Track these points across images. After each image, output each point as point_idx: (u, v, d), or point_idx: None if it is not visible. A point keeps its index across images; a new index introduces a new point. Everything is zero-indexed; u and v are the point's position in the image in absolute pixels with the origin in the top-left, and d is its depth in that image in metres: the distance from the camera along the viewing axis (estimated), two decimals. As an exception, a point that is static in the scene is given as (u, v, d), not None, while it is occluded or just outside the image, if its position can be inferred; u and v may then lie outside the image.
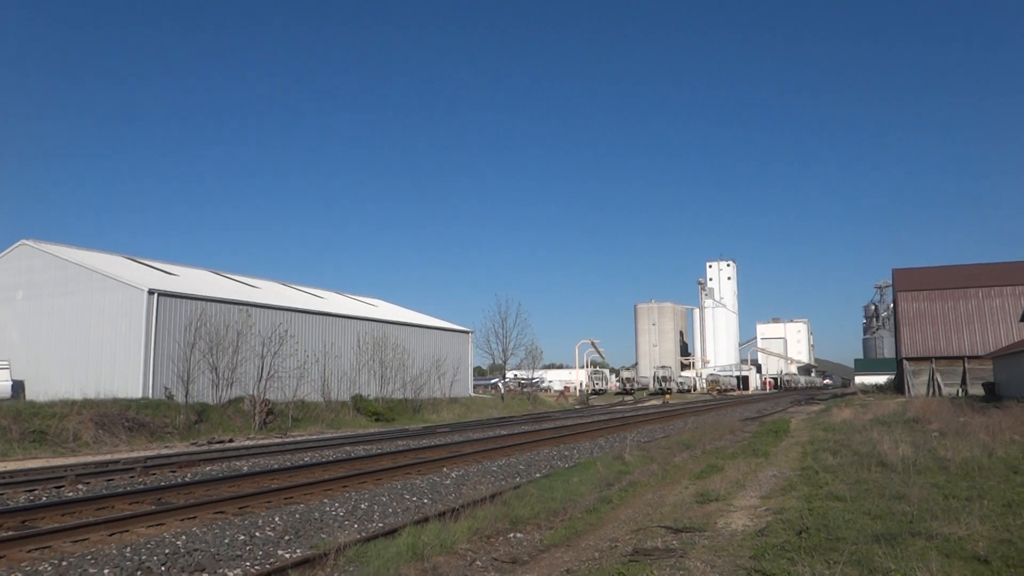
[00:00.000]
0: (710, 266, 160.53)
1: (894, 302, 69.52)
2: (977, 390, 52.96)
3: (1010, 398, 37.85)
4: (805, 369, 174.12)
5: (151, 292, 31.75)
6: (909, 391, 57.28)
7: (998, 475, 12.33)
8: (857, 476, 12.73)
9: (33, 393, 32.30)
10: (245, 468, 17.57)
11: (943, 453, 14.85)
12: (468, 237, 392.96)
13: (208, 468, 17.63)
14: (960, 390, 55.99)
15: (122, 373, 31.27)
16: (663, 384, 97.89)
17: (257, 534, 10.03)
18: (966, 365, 57.33)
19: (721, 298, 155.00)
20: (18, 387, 33.07)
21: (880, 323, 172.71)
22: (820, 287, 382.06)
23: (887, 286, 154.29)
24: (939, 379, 57.68)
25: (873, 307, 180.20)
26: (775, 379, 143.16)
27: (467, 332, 56.08)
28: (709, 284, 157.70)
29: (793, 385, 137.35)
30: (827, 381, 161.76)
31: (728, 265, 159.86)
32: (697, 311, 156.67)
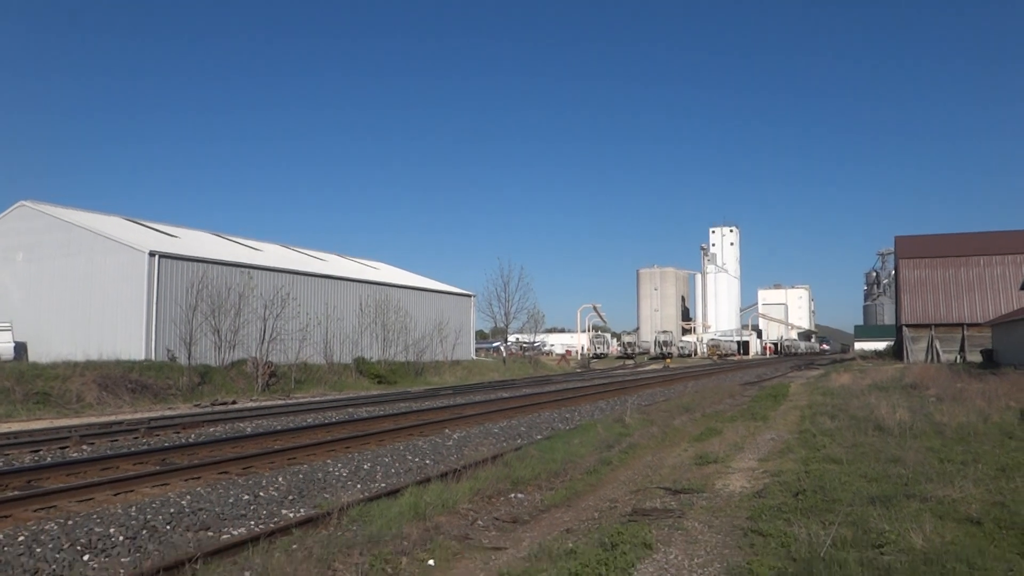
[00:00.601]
0: (713, 232, 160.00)
1: (895, 269, 69.52)
2: (975, 357, 53.15)
3: (1007, 365, 38.04)
4: (805, 335, 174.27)
5: (152, 254, 31.77)
6: (908, 357, 57.51)
7: (993, 440, 12.45)
8: (854, 440, 12.86)
9: (35, 355, 32.50)
10: (248, 429, 17.74)
11: (939, 418, 14.97)
12: (471, 201, 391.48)
13: (212, 429, 17.79)
14: (958, 357, 56.22)
15: (124, 335, 31.41)
16: (664, 348, 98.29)
17: (261, 494, 10.15)
18: (965, 332, 57.50)
19: (723, 264, 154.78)
20: (20, 349, 33.24)
21: (881, 290, 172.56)
22: (822, 253, 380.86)
23: (889, 253, 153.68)
24: (938, 346, 57.88)
25: (874, 274, 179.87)
26: (775, 344, 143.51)
27: (469, 296, 56.19)
28: (712, 249, 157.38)
29: (793, 351, 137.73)
30: (825, 347, 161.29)
31: (731, 231, 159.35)
32: (699, 276, 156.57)
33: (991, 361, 46.74)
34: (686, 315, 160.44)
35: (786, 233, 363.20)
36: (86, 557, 7.35)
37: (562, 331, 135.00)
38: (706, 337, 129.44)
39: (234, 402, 26.47)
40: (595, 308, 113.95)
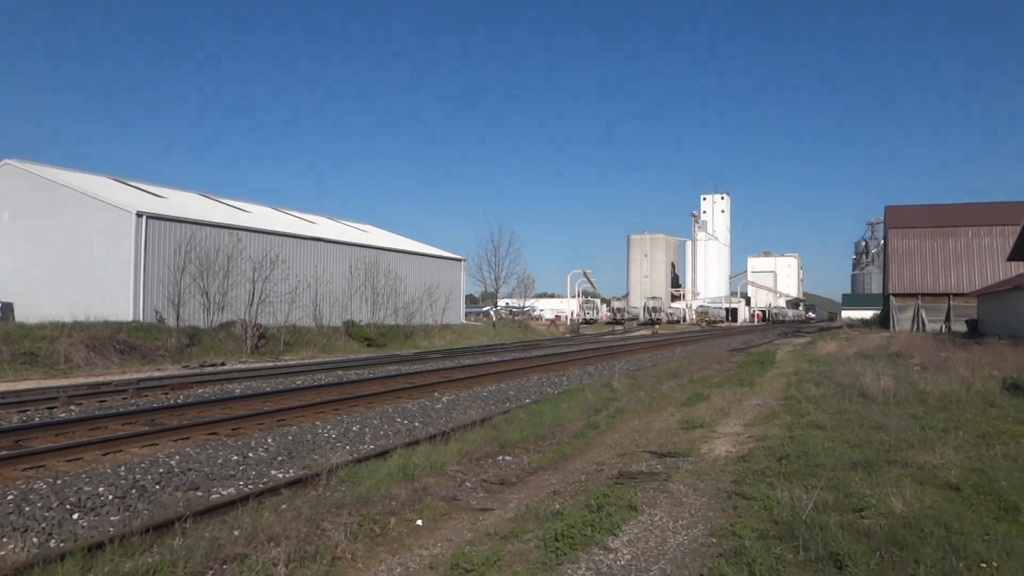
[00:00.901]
0: (704, 199, 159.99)
1: (885, 239, 69.77)
2: (960, 326, 53.67)
3: (992, 335, 38.40)
4: (793, 303, 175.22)
5: (139, 214, 31.50)
6: (894, 326, 57.97)
7: (975, 408, 12.61)
8: (838, 406, 13.00)
9: (22, 315, 32.34)
10: (237, 391, 17.76)
11: (923, 386, 15.12)
12: (463, 165, 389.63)
13: (200, 390, 17.81)
14: (943, 326, 56.72)
15: (112, 296, 31.25)
16: (653, 314, 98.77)
17: (250, 455, 10.21)
18: (951, 302, 57.96)
19: (714, 231, 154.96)
20: (7, 309, 33.08)
21: (869, 259, 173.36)
22: (812, 222, 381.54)
23: (878, 223, 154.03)
24: (924, 315, 58.35)
25: (864, 243, 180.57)
26: (763, 312, 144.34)
27: (460, 260, 56.09)
28: (703, 217, 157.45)
29: (781, 318, 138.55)
30: (811, 315, 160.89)
31: (722, 198, 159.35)
32: (689, 243, 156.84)
33: (976, 331, 47.21)
34: (676, 281, 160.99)
35: (777, 201, 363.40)
36: (75, 516, 7.40)
37: (552, 296, 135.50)
38: (695, 304, 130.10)
39: (223, 364, 26.48)
40: (585, 274, 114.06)
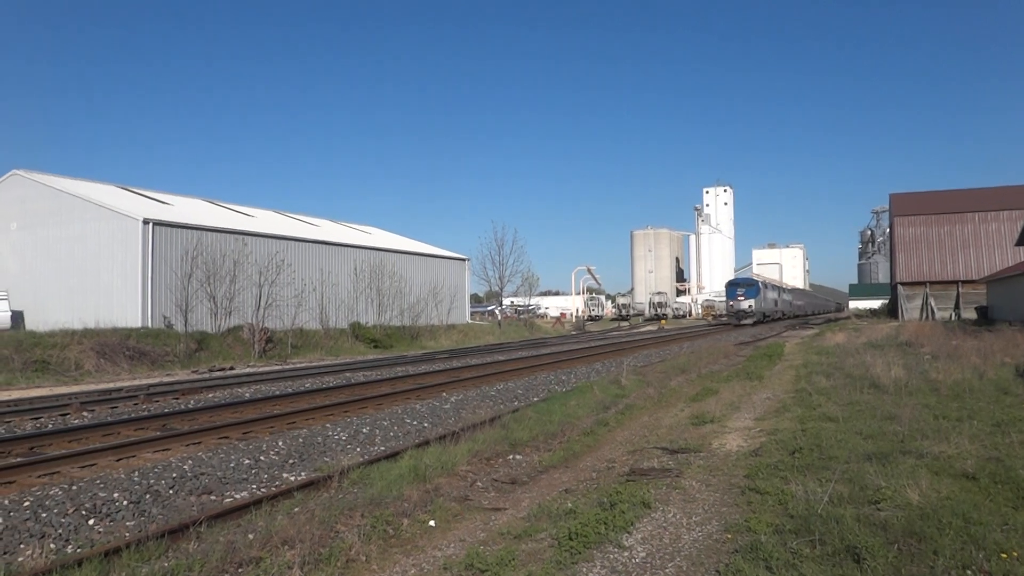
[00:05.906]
0: (707, 192, 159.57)
1: (890, 226, 69.40)
2: (970, 314, 53.35)
3: (1002, 321, 38.19)
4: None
5: (146, 221, 31.60)
6: (902, 315, 57.72)
7: (988, 396, 12.53)
8: (850, 398, 12.94)
9: (32, 323, 32.49)
10: (247, 394, 17.79)
11: (935, 375, 15.05)
12: (464, 165, 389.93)
13: (211, 395, 17.84)
14: (953, 314, 56.39)
15: (120, 302, 31.39)
16: (659, 310, 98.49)
17: (262, 458, 10.21)
18: (960, 289, 57.61)
19: (717, 224, 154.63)
20: (17, 317, 33.22)
21: (876, 248, 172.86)
22: (817, 212, 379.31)
23: (884, 211, 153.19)
24: (932, 303, 58.04)
25: (869, 232, 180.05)
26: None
27: (464, 259, 56.11)
28: (706, 210, 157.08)
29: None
30: (742, 302, 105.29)
31: (725, 191, 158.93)
32: (693, 237, 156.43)
33: (986, 318, 46.94)
34: (680, 276, 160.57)
35: (780, 192, 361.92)
36: (91, 521, 7.42)
37: (556, 294, 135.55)
38: (701, 298, 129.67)
39: (232, 368, 26.53)
40: (589, 270, 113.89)
